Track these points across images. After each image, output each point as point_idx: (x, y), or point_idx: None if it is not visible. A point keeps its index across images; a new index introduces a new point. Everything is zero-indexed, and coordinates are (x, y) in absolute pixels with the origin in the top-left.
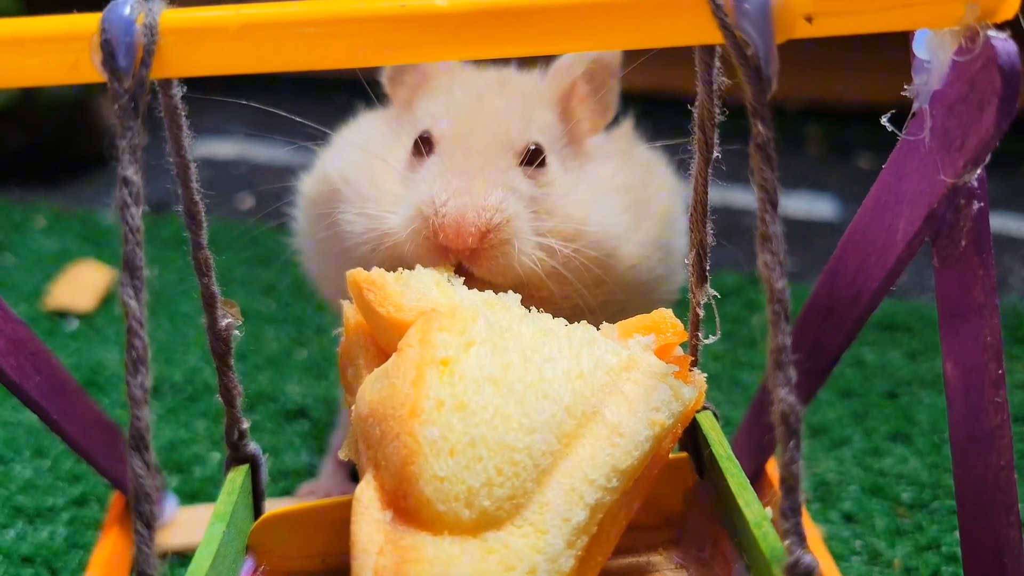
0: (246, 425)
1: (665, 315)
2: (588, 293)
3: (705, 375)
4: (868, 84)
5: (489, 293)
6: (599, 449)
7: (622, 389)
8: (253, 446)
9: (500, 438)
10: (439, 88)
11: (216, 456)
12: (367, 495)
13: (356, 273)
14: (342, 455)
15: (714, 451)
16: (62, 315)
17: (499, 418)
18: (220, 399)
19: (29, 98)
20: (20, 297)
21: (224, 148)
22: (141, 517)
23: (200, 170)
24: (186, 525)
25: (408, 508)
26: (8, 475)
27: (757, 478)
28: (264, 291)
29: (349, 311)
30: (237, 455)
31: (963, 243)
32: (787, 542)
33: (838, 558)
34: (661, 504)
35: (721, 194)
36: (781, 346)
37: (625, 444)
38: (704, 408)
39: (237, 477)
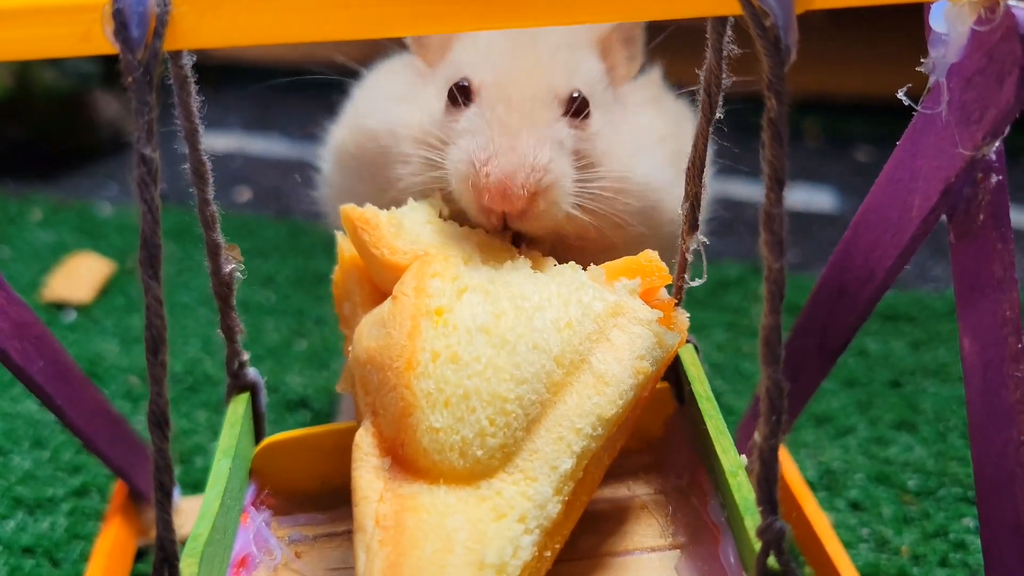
0: (246, 357)
1: (651, 257)
2: (629, 247)
3: (688, 315)
4: (867, 77)
5: (481, 230)
6: (586, 398)
7: (609, 336)
8: (252, 372)
9: (492, 389)
10: (474, 36)
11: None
12: (366, 442)
13: (350, 209)
14: (339, 388)
15: (694, 389)
16: (60, 307)
17: (491, 369)
18: (221, 334)
19: (25, 90)
20: (17, 289)
21: (221, 141)
22: (162, 487)
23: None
24: (189, 515)
25: (405, 457)
26: (8, 466)
27: None
28: (263, 283)
29: (344, 244)
30: (237, 383)
31: (981, 217)
32: (760, 509)
33: (846, 546)
34: (642, 430)
35: (723, 186)
36: (772, 324)
37: (610, 393)
38: (687, 342)
39: (238, 407)
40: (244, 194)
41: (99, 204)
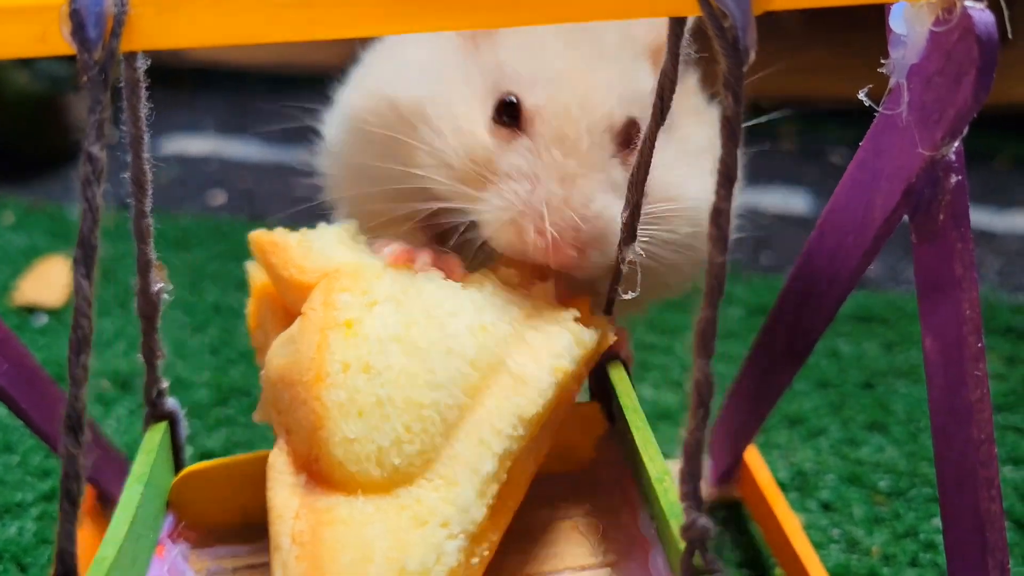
0: (165, 384)
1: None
2: (671, 277)
3: (610, 317)
4: (841, 81)
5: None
6: (504, 399)
7: (525, 338)
8: (171, 402)
9: (407, 396)
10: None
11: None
12: (280, 461)
13: (259, 234)
14: (256, 417)
15: (621, 402)
16: (30, 311)
17: (405, 376)
18: (141, 358)
19: None
20: None
21: (195, 145)
22: (68, 495)
23: (172, 167)
24: None
25: (320, 471)
26: None
27: (735, 465)
28: (237, 286)
29: (255, 272)
30: (155, 412)
31: (941, 217)
32: (684, 505)
33: (817, 546)
34: (573, 452)
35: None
36: (708, 318)
37: (529, 392)
38: (615, 358)
39: (155, 435)
40: (219, 197)
41: (71, 207)
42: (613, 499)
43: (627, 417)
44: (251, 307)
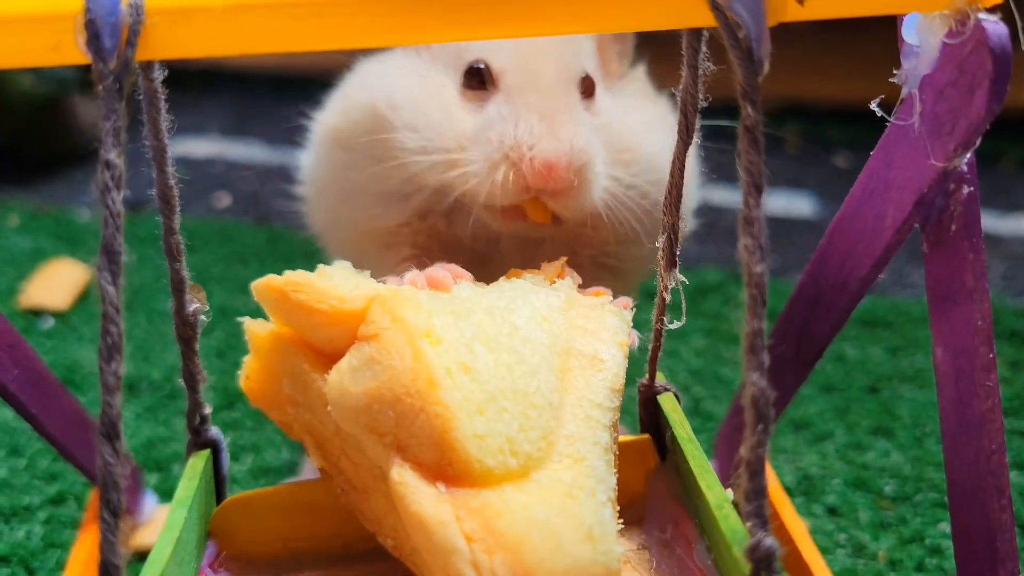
0: (208, 410)
1: (556, 265)
2: (630, 238)
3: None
4: (845, 84)
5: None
6: (591, 376)
7: (577, 324)
8: (214, 431)
9: (513, 387)
10: None
11: None
12: (408, 475)
13: (270, 279)
14: (316, 463)
15: (675, 432)
16: (37, 314)
17: (503, 369)
18: (183, 383)
19: (2, 95)
20: None
21: (200, 147)
22: (108, 506)
23: (176, 169)
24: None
25: (456, 473)
26: None
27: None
28: (242, 288)
29: (257, 327)
30: (198, 440)
31: (953, 228)
32: (749, 524)
33: (823, 551)
34: (623, 486)
35: (702, 192)
36: (756, 330)
37: (608, 366)
38: (666, 390)
39: (198, 463)
40: (223, 200)
41: (77, 210)
42: (665, 534)
43: (682, 447)
44: (253, 365)
